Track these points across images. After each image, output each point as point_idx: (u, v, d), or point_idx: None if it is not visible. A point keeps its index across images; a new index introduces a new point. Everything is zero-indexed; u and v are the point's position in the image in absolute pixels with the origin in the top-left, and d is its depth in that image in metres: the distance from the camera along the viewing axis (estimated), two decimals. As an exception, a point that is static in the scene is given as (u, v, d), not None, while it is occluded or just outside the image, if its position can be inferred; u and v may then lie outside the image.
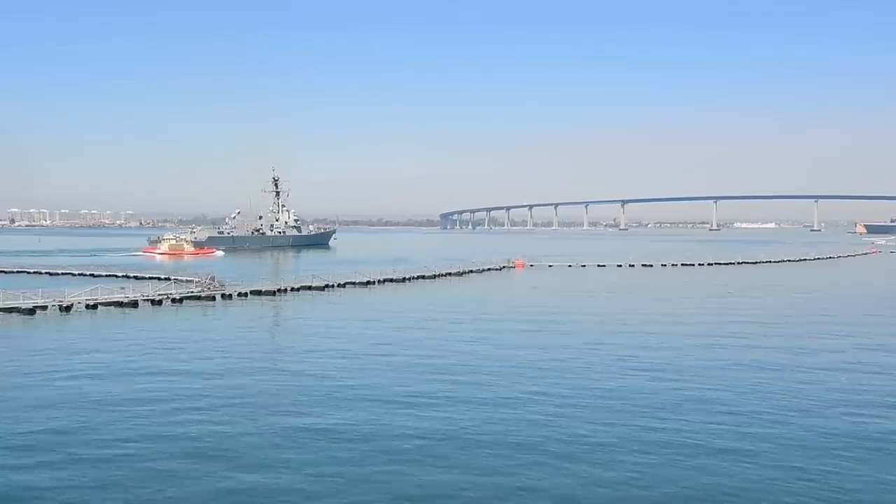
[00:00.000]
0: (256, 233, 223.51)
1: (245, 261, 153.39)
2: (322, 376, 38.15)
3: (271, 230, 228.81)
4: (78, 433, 27.89)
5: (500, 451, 26.02)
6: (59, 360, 42.44)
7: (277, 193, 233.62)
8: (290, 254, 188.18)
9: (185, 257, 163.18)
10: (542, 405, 32.09)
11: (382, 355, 43.95)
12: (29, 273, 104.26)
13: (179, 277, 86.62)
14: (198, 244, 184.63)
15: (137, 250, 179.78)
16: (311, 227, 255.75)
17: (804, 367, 40.61)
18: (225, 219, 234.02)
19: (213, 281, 77.30)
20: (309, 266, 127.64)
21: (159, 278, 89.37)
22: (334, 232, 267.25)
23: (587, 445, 26.64)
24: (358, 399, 33.15)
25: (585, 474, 23.84)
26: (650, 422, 29.47)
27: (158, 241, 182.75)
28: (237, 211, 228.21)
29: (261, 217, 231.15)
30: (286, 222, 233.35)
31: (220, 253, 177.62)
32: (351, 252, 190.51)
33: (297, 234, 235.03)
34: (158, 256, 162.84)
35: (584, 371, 39.42)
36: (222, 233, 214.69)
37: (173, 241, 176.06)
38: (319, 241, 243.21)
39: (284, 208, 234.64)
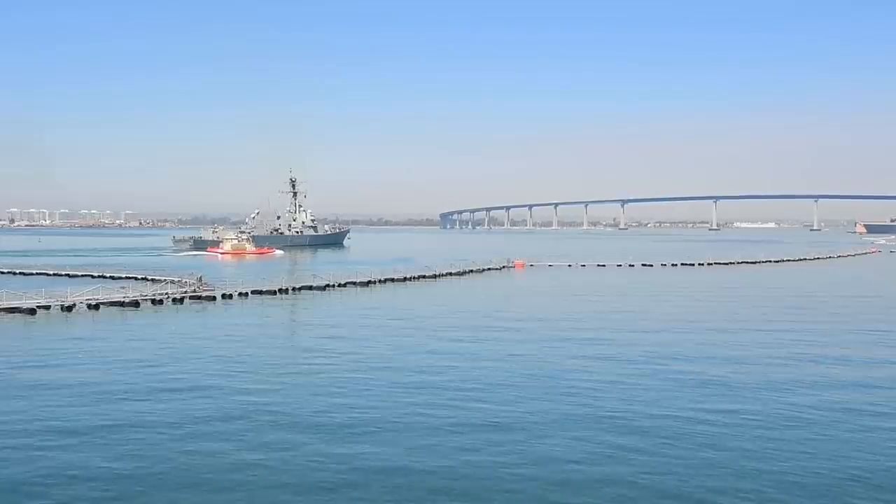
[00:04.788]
0: (275, 232, 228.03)
1: (264, 260, 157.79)
2: (324, 375, 38.36)
3: (289, 230, 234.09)
4: (85, 432, 28.11)
5: (505, 449, 26.27)
6: (63, 358, 42.60)
7: (295, 194, 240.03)
8: (308, 253, 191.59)
9: (247, 257, 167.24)
10: (544, 402, 32.35)
11: (384, 355, 44.09)
12: (4, 273, 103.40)
13: (159, 277, 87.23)
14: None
15: (164, 250, 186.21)
16: (326, 227, 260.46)
17: (811, 366, 40.88)
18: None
19: (201, 281, 77.40)
20: (325, 265, 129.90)
21: (136, 278, 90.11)
22: (348, 231, 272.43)
23: (587, 442, 26.92)
24: (361, 399, 33.35)
25: (593, 472, 24.07)
26: (657, 420, 29.71)
27: (219, 240, 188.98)
28: (256, 211, 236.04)
29: (279, 217, 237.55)
30: (303, 222, 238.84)
31: (279, 252, 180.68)
32: (364, 251, 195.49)
33: (314, 233, 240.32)
34: (220, 256, 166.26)
35: (584, 369, 39.60)
36: (243, 232, 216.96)
37: (235, 241, 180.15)
38: (335, 241, 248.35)
39: (301, 209, 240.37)
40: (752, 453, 25.75)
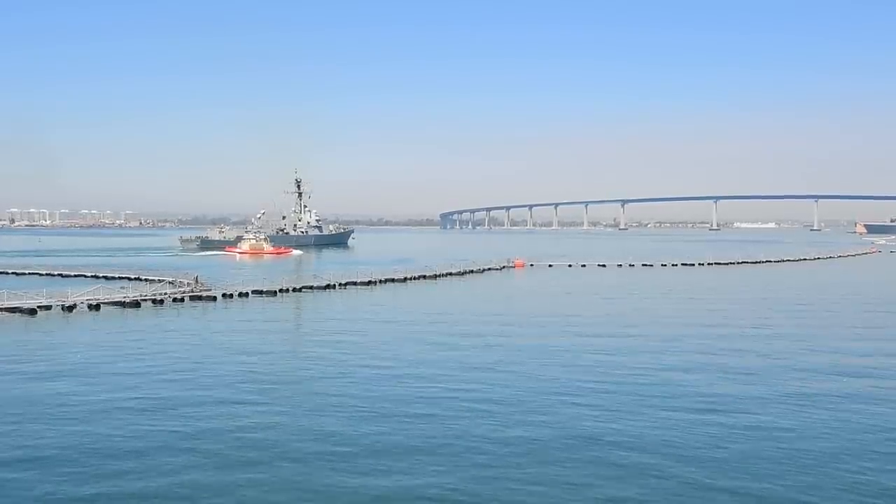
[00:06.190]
0: (281, 232, 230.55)
1: (281, 259, 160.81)
2: (326, 376, 38.36)
3: (294, 230, 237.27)
4: (89, 436, 28.04)
5: (504, 450, 26.23)
6: (64, 362, 42.55)
7: (300, 194, 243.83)
8: (313, 253, 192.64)
9: (265, 256, 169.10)
10: (546, 403, 32.33)
11: (385, 355, 44.07)
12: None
13: (154, 277, 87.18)
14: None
15: (173, 249, 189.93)
16: (331, 227, 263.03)
17: (811, 366, 40.86)
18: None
19: (197, 281, 77.30)
20: (330, 265, 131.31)
21: (129, 278, 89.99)
22: (352, 231, 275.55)
23: (589, 441, 26.88)
24: (364, 400, 33.31)
25: (593, 472, 24.06)
26: (657, 419, 29.70)
27: (227, 240, 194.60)
28: (262, 211, 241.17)
29: (284, 217, 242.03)
30: (308, 222, 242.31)
31: (297, 252, 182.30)
32: (368, 251, 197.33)
33: (319, 233, 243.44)
34: (238, 255, 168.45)
35: (587, 367, 39.60)
36: (249, 232, 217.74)
37: (253, 241, 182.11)
38: (339, 241, 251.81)
39: (306, 209, 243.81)
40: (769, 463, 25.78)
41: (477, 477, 23.48)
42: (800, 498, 22.00)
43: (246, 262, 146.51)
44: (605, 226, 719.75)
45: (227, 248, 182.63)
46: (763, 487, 22.67)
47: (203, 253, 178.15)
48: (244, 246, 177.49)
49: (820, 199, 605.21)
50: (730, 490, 22.48)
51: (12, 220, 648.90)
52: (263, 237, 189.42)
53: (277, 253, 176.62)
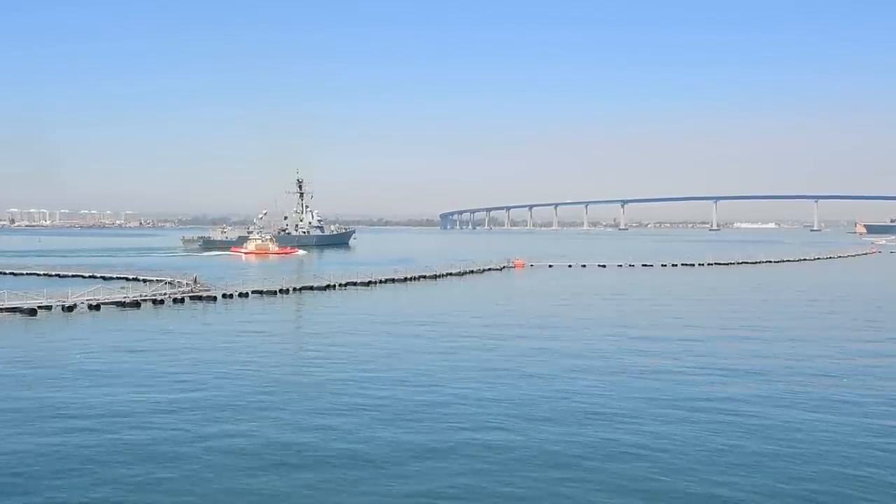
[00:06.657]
0: (282, 233, 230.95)
1: (286, 260, 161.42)
2: (325, 377, 38.34)
3: (296, 230, 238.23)
4: (90, 437, 28.00)
5: (504, 454, 26.21)
6: (66, 359, 42.55)
7: (302, 195, 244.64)
8: (314, 253, 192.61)
9: (270, 256, 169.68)
10: (546, 403, 32.29)
11: (385, 356, 44.04)
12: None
13: (152, 277, 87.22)
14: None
15: (176, 249, 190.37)
16: (332, 228, 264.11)
17: (812, 366, 40.88)
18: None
19: (196, 282, 77.25)
20: (331, 265, 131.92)
21: (127, 278, 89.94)
22: (354, 232, 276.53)
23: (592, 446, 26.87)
24: (363, 401, 33.30)
25: (592, 478, 24.04)
26: (659, 419, 29.68)
27: (229, 240, 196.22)
28: (264, 212, 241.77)
29: (286, 217, 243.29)
30: (310, 223, 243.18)
31: (302, 252, 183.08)
32: (369, 251, 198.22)
33: (321, 234, 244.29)
34: (244, 256, 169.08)
35: (587, 368, 39.59)
36: (251, 232, 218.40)
37: (259, 242, 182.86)
38: (341, 241, 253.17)
39: (308, 209, 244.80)
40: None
41: (478, 478, 23.48)
42: (801, 496, 22.05)
43: (252, 263, 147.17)
44: (605, 226, 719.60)
45: (232, 249, 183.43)
46: (763, 486, 22.71)
47: (208, 253, 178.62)
48: (250, 246, 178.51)
49: (820, 199, 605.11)
50: (730, 485, 22.54)
51: (12, 220, 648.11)
52: (269, 237, 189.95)
53: (283, 253, 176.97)
